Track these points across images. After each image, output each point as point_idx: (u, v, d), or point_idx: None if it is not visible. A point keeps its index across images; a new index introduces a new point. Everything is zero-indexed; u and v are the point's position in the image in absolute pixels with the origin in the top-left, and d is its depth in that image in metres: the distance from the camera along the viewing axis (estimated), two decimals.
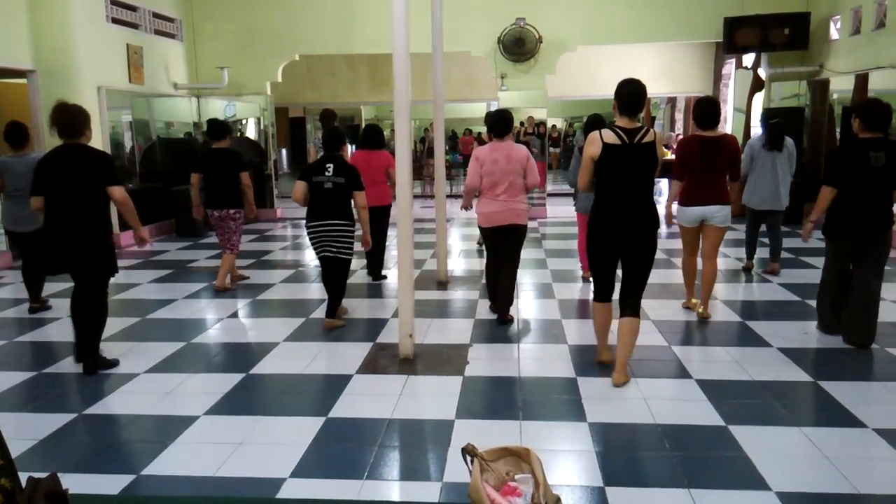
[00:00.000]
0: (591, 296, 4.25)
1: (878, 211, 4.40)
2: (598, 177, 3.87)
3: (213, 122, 6.52)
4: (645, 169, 3.80)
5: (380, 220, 6.48)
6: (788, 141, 6.46)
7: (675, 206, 5.21)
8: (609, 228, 3.87)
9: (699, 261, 5.30)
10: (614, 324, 4.12)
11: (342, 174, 4.99)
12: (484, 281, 6.74)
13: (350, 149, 20.76)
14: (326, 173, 4.96)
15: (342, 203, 5.02)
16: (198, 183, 6.36)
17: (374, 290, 6.51)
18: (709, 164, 4.99)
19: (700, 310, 5.25)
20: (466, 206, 5.49)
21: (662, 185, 12.31)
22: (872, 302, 4.50)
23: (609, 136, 3.76)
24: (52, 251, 4.25)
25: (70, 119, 4.18)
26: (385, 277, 6.80)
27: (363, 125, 20.25)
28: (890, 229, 4.46)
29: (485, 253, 5.66)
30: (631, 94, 3.79)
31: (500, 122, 5.06)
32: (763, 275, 6.66)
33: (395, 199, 6.66)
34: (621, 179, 3.81)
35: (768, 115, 6.70)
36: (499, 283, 5.22)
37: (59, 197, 4.16)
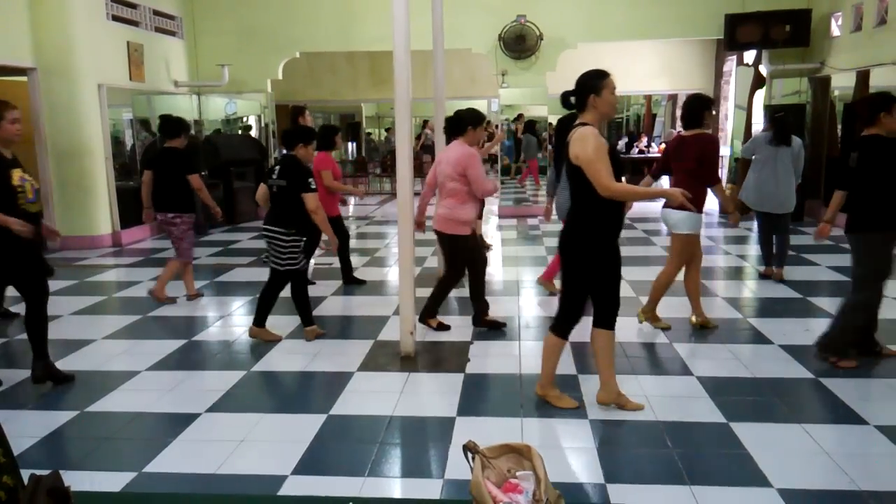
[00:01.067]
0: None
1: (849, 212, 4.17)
2: None
3: (165, 119, 6.04)
4: (567, 174, 3.39)
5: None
6: (796, 140, 6.15)
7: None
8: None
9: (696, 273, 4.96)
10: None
11: (285, 176, 4.61)
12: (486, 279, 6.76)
13: (351, 147, 20.69)
14: (273, 175, 4.69)
15: (285, 207, 4.64)
16: (149, 181, 5.85)
17: (375, 288, 6.50)
18: (677, 164, 4.79)
19: (640, 316, 4.98)
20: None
21: (664, 182, 12.29)
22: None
23: None
24: None
25: None
26: (357, 281, 6.55)
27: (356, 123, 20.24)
28: (853, 233, 4.09)
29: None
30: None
31: (450, 123, 4.90)
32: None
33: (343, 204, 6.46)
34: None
35: (774, 110, 6.60)
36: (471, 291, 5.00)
37: None
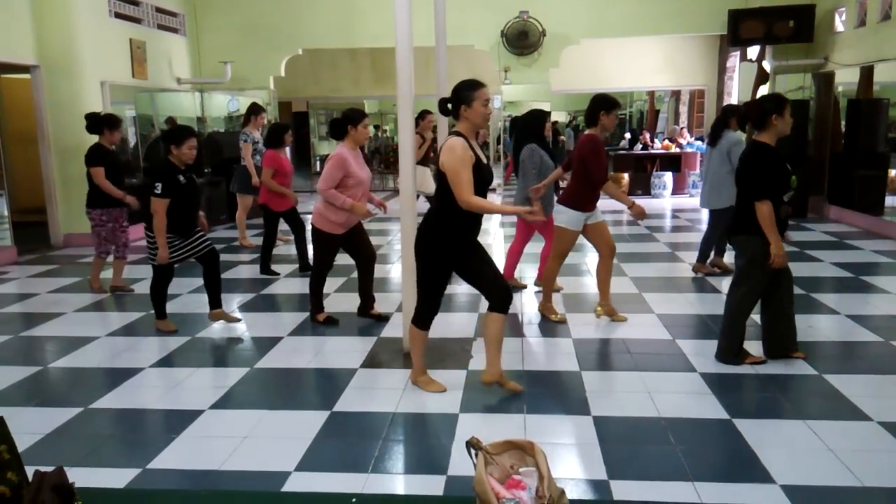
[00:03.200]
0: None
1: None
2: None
3: (87, 116, 5.99)
4: (434, 177, 3.57)
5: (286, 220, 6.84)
6: (728, 138, 6.03)
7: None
8: None
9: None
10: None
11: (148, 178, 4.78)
12: None
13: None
14: None
15: (145, 207, 4.77)
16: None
17: (378, 285, 6.49)
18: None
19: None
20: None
21: (667, 179, 12.28)
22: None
23: None
24: None
25: None
26: (274, 273, 6.85)
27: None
28: (737, 236, 4.05)
29: None
30: None
31: (332, 126, 4.95)
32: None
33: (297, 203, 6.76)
34: None
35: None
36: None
37: None
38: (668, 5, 10.43)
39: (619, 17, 10.61)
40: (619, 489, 2.79)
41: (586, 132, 4.84)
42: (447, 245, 3.55)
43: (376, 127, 21.18)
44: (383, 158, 17.74)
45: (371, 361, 4.38)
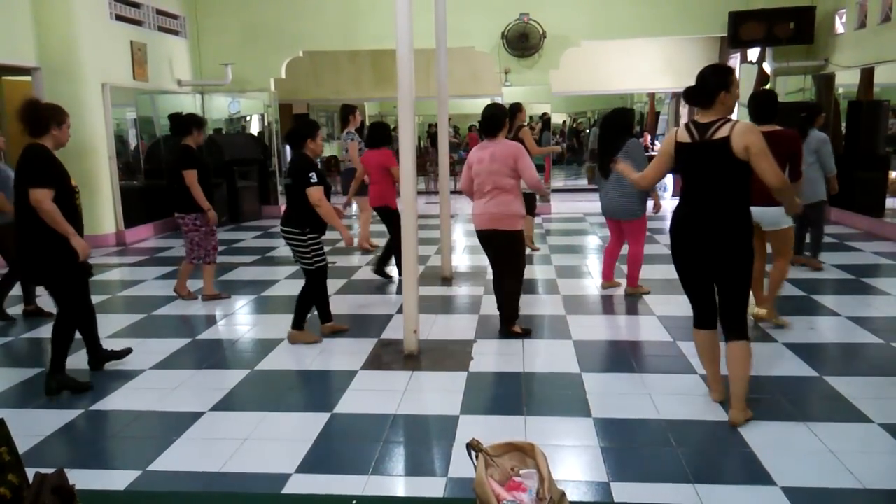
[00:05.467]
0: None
1: None
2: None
3: (171, 117, 5.87)
4: (714, 168, 3.22)
5: (383, 219, 6.58)
6: (814, 135, 6.21)
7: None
8: (678, 237, 3.45)
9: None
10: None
11: (291, 174, 4.60)
12: (489, 277, 6.76)
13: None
14: (286, 174, 4.68)
15: (292, 206, 4.60)
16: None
17: (379, 286, 6.51)
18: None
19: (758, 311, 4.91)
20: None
21: (667, 181, 12.28)
22: None
23: (682, 133, 3.36)
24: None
25: (33, 116, 4.06)
26: (389, 277, 6.67)
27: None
28: None
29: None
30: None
31: (486, 121, 4.66)
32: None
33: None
34: (689, 180, 3.38)
35: (800, 108, 6.61)
36: (500, 293, 4.88)
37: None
38: (668, 7, 10.44)
39: (619, 18, 10.62)
40: (620, 491, 2.79)
41: (782, 129, 4.71)
42: (747, 235, 3.28)
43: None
44: None
45: (372, 363, 4.38)
